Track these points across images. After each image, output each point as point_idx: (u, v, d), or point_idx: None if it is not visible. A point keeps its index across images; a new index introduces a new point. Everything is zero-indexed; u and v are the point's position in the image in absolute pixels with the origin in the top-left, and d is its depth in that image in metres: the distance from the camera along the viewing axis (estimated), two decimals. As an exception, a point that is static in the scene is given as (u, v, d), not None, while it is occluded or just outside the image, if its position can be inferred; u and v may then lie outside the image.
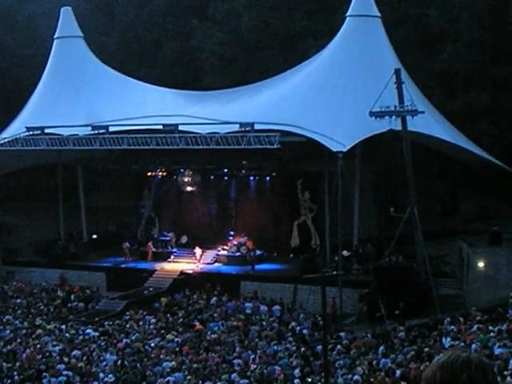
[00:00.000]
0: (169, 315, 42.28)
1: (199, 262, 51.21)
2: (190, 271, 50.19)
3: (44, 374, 30.15)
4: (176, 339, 36.67)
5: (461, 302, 41.57)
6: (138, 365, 31.61)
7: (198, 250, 51.51)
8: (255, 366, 30.55)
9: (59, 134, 49.44)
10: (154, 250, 53.72)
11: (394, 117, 38.38)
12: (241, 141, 43.89)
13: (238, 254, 51.51)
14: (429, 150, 48.05)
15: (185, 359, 32.56)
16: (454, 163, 49.62)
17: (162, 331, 38.89)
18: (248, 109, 47.22)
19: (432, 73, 51.31)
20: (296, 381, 28.09)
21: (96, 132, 48.38)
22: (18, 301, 47.41)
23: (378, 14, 46.81)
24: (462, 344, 30.88)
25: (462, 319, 35.48)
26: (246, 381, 28.59)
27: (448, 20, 50.84)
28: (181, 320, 41.18)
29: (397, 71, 39.41)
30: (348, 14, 47.18)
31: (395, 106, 38.26)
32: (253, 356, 32.40)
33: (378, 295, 39.06)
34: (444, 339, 32.24)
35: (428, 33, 52.88)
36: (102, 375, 30.21)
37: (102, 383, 29.42)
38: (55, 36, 56.00)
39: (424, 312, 39.43)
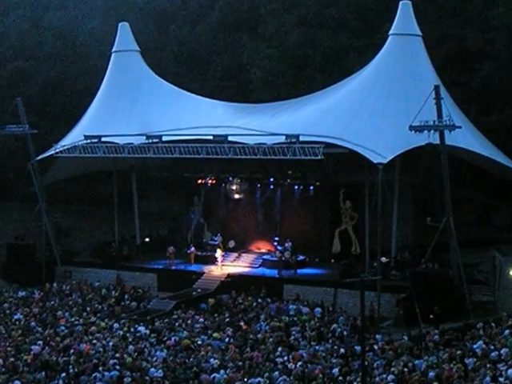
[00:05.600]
0: (216, 315, 43.20)
1: (220, 263, 52.53)
2: (236, 274, 51.10)
3: (97, 368, 31.35)
4: (222, 338, 37.54)
5: (493, 308, 41.96)
6: (187, 361, 32.44)
7: (218, 253, 52.81)
8: (297, 365, 31.17)
9: (115, 143, 50.91)
10: (196, 253, 54.69)
11: (432, 131, 38.76)
12: (286, 151, 44.91)
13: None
14: (465, 162, 48.25)
15: (230, 357, 33.30)
16: (488, 176, 49.73)
17: (209, 330, 39.47)
18: (294, 121, 48.06)
19: (469, 90, 51.51)
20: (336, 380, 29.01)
21: (150, 141, 49.54)
22: (75, 299, 48.70)
23: (420, 33, 47.31)
24: (493, 347, 31.90)
25: (493, 324, 36.19)
26: (288, 379, 29.32)
27: (485, 40, 51.02)
28: (227, 320, 41.76)
29: (436, 87, 39.86)
30: (391, 32, 47.75)
31: (434, 121, 38.69)
32: (294, 355, 33.01)
33: (414, 300, 39.60)
34: (475, 343, 32.95)
35: (466, 52, 53.03)
36: (152, 370, 31.16)
37: (152, 378, 30.28)
38: (113, 50, 57.48)
39: (457, 317, 39.51)
